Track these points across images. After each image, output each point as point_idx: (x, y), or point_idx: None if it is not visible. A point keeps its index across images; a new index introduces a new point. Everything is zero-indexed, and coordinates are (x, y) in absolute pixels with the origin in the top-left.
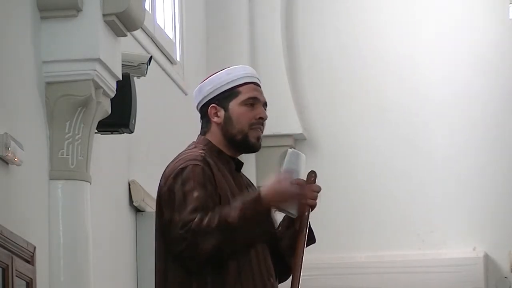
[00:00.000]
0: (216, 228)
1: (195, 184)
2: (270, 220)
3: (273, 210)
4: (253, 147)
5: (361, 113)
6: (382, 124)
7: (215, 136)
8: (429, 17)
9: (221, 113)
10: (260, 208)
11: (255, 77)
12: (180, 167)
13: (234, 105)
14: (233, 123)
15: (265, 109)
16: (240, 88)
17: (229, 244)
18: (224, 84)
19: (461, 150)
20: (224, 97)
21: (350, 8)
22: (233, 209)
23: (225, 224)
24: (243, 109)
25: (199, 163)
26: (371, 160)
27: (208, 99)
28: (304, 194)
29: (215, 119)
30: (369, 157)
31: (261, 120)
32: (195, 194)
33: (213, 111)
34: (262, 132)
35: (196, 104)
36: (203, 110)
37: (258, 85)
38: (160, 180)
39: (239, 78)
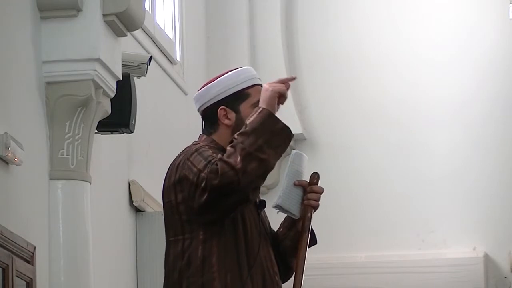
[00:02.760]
0: (237, 144)
1: (211, 151)
2: (275, 117)
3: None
4: None
5: (361, 113)
6: (382, 124)
7: (222, 137)
8: (429, 17)
9: (232, 115)
10: (259, 110)
11: (259, 78)
12: (192, 149)
13: (245, 108)
14: None
15: None
16: (249, 90)
17: (258, 148)
18: (234, 86)
19: (461, 150)
20: (234, 99)
21: (350, 8)
22: (242, 129)
23: (241, 135)
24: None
25: (211, 145)
26: (371, 160)
27: (215, 101)
28: (281, 87)
29: (226, 121)
30: (369, 157)
31: None
32: (212, 152)
33: (223, 113)
34: None
35: (200, 105)
36: (209, 111)
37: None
38: (167, 173)
39: (248, 80)
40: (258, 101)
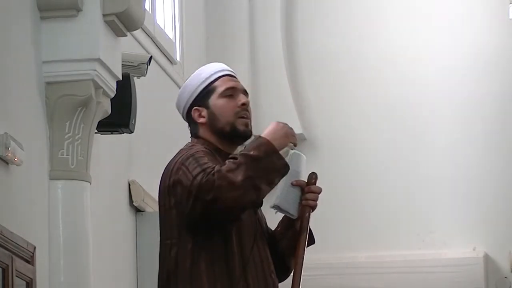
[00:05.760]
0: (241, 162)
1: (205, 156)
2: (277, 152)
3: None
4: (243, 134)
5: (361, 113)
6: (382, 124)
7: (205, 137)
8: (430, 17)
9: (204, 112)
10: (264, 140)
11: (228, 70)
12: (188, 153)
13: (213, 100)
14: (218, 117)
15: (246, 96)
16: (215, 84)
17: (257, 174)
18: (199, 85)
19: (462, 150)
20: (202, 97)
21: (350, 8)
22: (247, 148)
23: (248, 157)
24: (223, 100)
25: (205, 150)
26: (371, 160)
27: (188, 105)
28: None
29: (200, 120)
30: (369, 157)
31: (244, 106)
32: (207, 159)
33: (196, 113)
34: (249, 118)
35: (181, 114)
36: (187, 117)
37: (233, 76)
38: (163, 176)
39: (211, 75)
40: (226, 89)
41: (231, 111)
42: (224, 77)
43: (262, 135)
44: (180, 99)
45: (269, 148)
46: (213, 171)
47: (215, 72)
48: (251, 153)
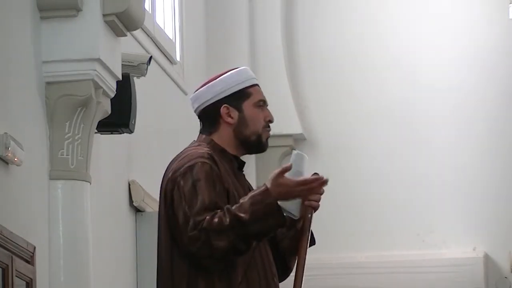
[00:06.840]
0: (229, 226)
1: (205, 183)
2: (280, 211)
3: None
4: (263, 148)
5: (361, 113)
6: (382, 124)
7: (223, 136)
8: (430, 17)
9: (235, 113)
10: (269, 200)
11: (256, 79)
12: (188, 164)
13: (248, 106)
14: (248, 124)
15: None
16: (250, 90)
17: (243, 240)
18: (236, 85)
19: (461, 150)
20: (236, 98)
21: (350, 8)
22: (243, 206)
23: (237, 221)
24: (256, 111)
25: (207, 160)
26: (371, 160)
27: (217, 99)
28: (311, 188)
29: (228, 119)
30: (369, 157)
31: (270, 122)
32: (205, 193)
33: (226, 111)
34: None
35: (200, 104)
36: (210, 110)
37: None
38: (164, 175)
39: (248, 79)
40: (260, 100)
41: (260, 123)
42: (257, 87)
43: (269, 182)
44: (209, 91)
45: (270, 208)
46: (201, 226)
47: (252, 78)
48: (244, 217)
